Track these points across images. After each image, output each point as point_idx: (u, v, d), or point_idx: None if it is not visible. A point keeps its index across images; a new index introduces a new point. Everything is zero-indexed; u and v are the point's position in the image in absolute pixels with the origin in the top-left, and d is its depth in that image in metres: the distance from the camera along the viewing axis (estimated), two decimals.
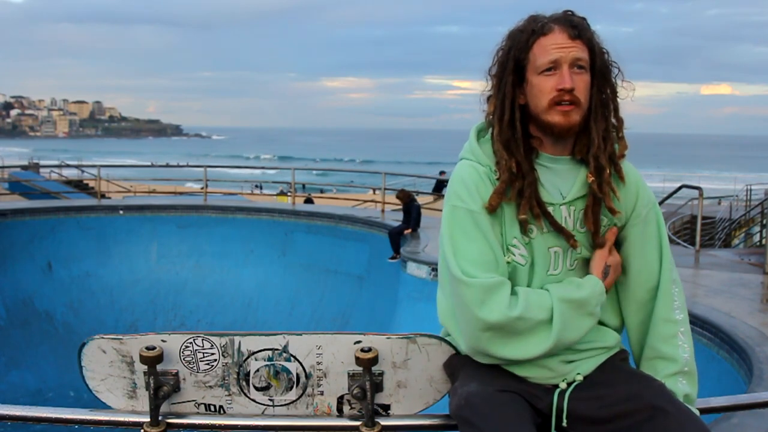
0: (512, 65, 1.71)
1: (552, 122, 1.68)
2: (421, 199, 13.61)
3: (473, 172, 1.74)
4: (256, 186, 30.32)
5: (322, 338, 1.80)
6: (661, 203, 12.86)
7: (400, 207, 12.94)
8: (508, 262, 1.71)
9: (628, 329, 1.86)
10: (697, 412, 1.73)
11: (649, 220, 1.81)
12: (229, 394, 1.83)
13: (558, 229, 1.72)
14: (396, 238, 11.40)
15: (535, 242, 1.72)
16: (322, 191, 30.54)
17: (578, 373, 1.72)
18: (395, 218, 12.90)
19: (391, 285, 11.10)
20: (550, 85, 1.66)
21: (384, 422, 1.79)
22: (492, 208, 1.69)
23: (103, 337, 1.80)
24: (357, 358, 1.73)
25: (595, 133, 1.72)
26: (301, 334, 1.80)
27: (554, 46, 1.66)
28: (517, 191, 1.70)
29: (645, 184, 1.83)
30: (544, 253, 1.73)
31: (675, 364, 1.76)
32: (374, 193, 28.78)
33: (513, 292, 1.68)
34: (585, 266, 1.77)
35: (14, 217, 13.31)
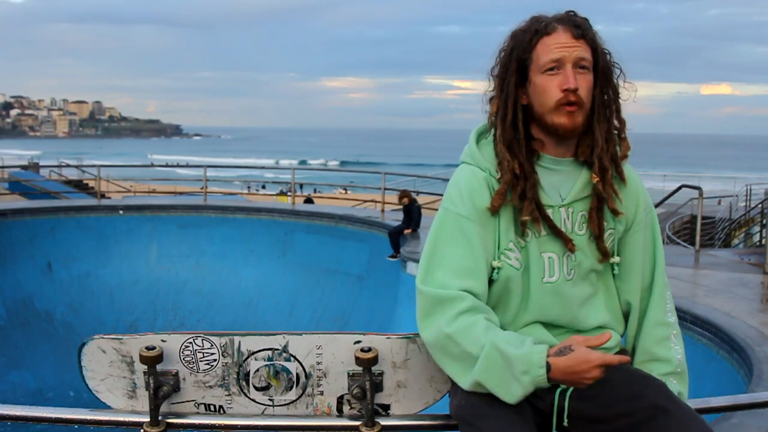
0: (515, 65, 1.71)
1: (556, 124, 1.68)
2: (420, 199, 13.59)
3: (471, 178, 1.73)
4: (262, 186, 30.39)
5: (322, 338, 1.80)
6: (661, 203, 12.99)
7: (400, 207, 12.92)
8: (500, 268, 1.70)
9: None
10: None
11: (647, 224, 1.82)
12: (229, 394, 1.83)
13: (556, 233, 1.71)
14: (395, 237, 11.40)
15: (530, 246, 1.71)
16: (315, 190, 30.65)
17: None
18: (395, 218, 12.90)
19: (391, 285, 11.11)
20: (554, 85, 1.66)
21: (384, 422, 1.79)
22: (494, 210, 1.69)
23: (103, 337, 1.80)
24: (357, 358, 1.73)
25: (599, 134, 1.71)
26: (301, 334, 1.80)
27: (557, 45, 1.66)
28: (518, 193, 1.69)
29: (644, 188, 1.83)
30: (538, 258, 1.72)
31: (669, 365, 1.77)
32: (345, 192, 29.05)
33: (468, 311, 1.62)
34: (585, 278, 1.75)
35: (14, 217, 13.30)
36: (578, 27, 1.67)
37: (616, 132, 1.76)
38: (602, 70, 1.72)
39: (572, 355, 1.54)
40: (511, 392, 1.56)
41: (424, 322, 1.67)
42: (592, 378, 1.54)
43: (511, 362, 1.55)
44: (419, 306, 1.68)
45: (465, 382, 1.62)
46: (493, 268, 1.71)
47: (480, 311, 1.65)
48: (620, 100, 1.76)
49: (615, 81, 1.75)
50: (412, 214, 11.71)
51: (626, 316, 1.85)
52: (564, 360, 1.54)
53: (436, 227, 1.74)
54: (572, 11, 1.71)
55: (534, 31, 1.68)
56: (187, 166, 36.77)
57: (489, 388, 1.58)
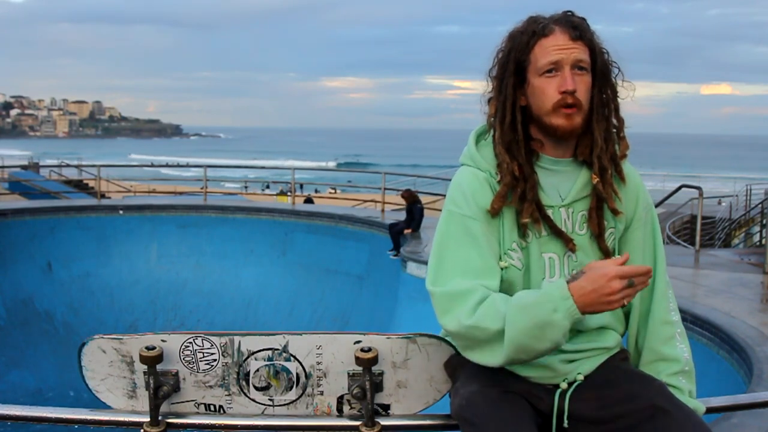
0: (513, 67, 1.70)
1: (555, 125, 1.67)
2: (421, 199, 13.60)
3: (472, 179, 1.73)
4: (266, 186, 30.34)
5: (322, 338, 1.80)
6: (661, 203, 12.99)
7: (401, 207, 12.93)
8: (505, 267, 1.70)
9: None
10: (704, 408, 1.75)
11: (647, 222, 1.82)
12: (229, 394, 1.83)
13: (557, 233, 1.71)
14: (396, 237, 11.40)
15: (531, 247, 1.71)
16: (316, 190, 30.63)
17: (579, 373, 1.72)
18: (395, 218, 12.90)
19: (391, 285, 11.11)
20: (553, 87, 1.65)
21: (384, 422, 1.78)
22: (494, 212, 1.69)
23: (103, 337, 1.80)
24: (357, 358, 1.73)
25: (598, 134, 1.71)
26: (301, 334, 1.80)
27: (555, 47, 1.65)
28: (518, 195, 1.69)
29: (644, 186, 1.83)
30: (538, 259, 1.71)
31: (677, 364, 1.77)
32: (336, 191, 29.09)
33: (484, 300, 1.61)
34: None
35: (14, 217, 13.32)
36: (576, 28, 1.67)
37: (614, 131, 1.76)
38: (600, 69, 1.72)
39: (587, 274, 1.51)
40: (552, 339, 1.53)
41: (444, 319, 1.65)
42: (614, 292, 1.48)
43: (535, 309, 1.52)
44: (435, 307, 1.67)
45: (500, 358, 1.58)
46: (500, 269, 1.70)
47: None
48: (619, 99, 1.76)
49: (613, 80, 1.75)
50: (414, 214, 11.71)
51: (626, 315, 1.85)
52: (581, 282, 1.51)
53: (441, 231, 1.73)
54: (570, 11, 1.71)
55: (531, 32, 1.68)
56: (188, 166, 36.83)
57: (528, 349, 1.55)
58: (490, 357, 1.61)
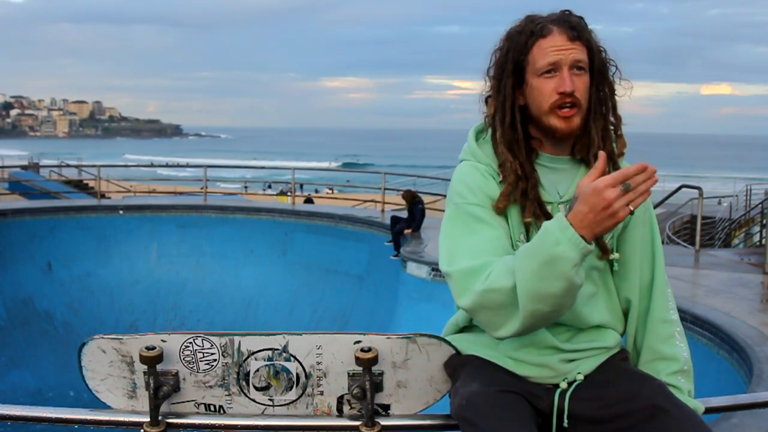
0: (511, 67, 1.71)
1: (554, 126, 1.68)
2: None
3: (473, 171, 1.74)
4: (268, 186, 30.32)
5: (322, 338, 1.79)
6: (661, 203, 13.00)
7: (401, 207, 12.92)
8: None
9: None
10: (703, 407, 1.75)
11: (645, 221, 1.82)
12: (229, 394, 1.83)
13: None
14: (396, 237, 11.39)
15: None
16: (316, 190, 30.62)
17: (579, 373, 1.72)
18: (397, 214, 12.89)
19: (391, 285, 11.10)
20: (551, 88, 1.66)
21: (384, 422, 1.78)
22: (500, 211, 1.69)
23: (103, 337, 1.80)
24: (357, 358, 1.73)
25: (595, 133, 1.72)
26: (301, 334, 1.80)
27: (553, 48, 1.65)
28: (521, 192, 1.69)
29: None
30: None
31: (676, 363, 1.77)
32: (332, 191, 29.13)
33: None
34: (587, 276, 1.72)
35: (14, 217, 13.32)
36: (573, 28, 1.67)
37: (612, 129, 1.76)
38: (598, 68, 1.72)
39: (579, 198, 1.46)
40: (563, 274, 1.46)
41: (462, 299, 1.61)
42: (612, 203, 1.41)
43: (538, 249, 1.48)
44: (453, 288, 1.64)
45: (520, 317, 1.53)
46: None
47: None
48: (616, 97, 1.76)
49: (611, 78, 1.75)
50: (414, 214, 11.71)
51: (625, 314, 1.84)
52: (576, 207, 1.46)
53: (450, 223, 1.71)
54: (567, 11, 1.71)
55: (529, 32, 1.68)
56: (187, 166, 36.86)
57: (543, 294, 1.49)
58: (512, 321, 1.56)
